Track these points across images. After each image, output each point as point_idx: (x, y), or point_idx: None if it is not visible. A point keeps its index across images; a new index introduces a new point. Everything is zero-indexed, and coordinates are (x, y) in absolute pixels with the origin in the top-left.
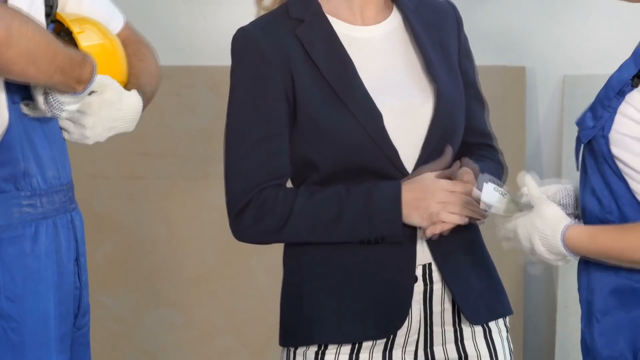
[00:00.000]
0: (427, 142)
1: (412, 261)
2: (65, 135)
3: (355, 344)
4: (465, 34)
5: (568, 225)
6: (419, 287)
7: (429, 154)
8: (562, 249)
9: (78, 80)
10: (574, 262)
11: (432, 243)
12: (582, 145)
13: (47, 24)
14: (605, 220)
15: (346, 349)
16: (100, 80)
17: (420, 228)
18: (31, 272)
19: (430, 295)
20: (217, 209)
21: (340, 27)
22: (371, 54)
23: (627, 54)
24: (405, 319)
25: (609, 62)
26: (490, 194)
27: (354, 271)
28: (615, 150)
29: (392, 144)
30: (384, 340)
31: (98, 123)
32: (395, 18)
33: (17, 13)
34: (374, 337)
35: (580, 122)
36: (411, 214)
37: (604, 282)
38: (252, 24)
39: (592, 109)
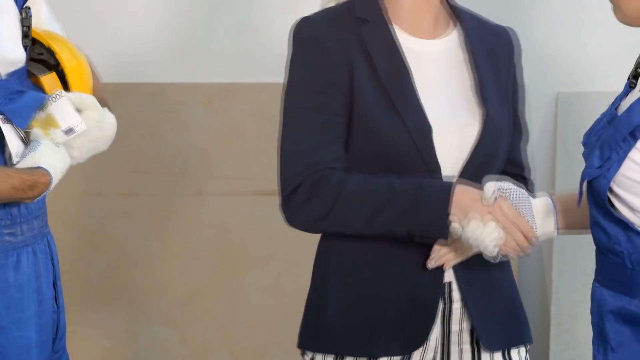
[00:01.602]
0: (468, 164)
1: (438, 280)
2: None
3: (372, 358)
4: (519, 64)
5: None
6: (439, 306)
7: (468, 177)
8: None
9: (22, 200)
10: (566, 276)
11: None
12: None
13: (26, 45)
14: (614, 250)
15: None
16: (84, 99)
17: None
18: (14, 303)
19: (449, 314)
20: (211, 226)
21: (400, 36)
22: (426, 68)
23: (621, 71)
24: (426, 338)
25: (603, 79)
26: None
27: (381, 285)
28: (619, 191)
29: (436, 159)
30: (400, 356)
31: (85, 143)
32: (455, 35)
33: None
34: (393, 354)
35: (584, 138)
36: (456, 213)
37: (616, 311)
38: (316, 14)
39: (601, 147)
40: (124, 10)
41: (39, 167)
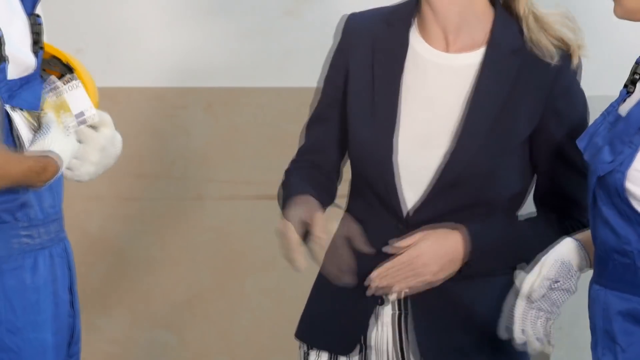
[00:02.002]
0: (433, 188)
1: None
2: (68, 173)
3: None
4: (564, 102)
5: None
6: (389, 311)
7: (432, 201)
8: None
9: (35, 184)
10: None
11: None
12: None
13: (36, 52)
14: (623, 251)
15: (325, 355)
16: (102, 116)
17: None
18: (31, 304)
19: (405, 322)
20: (211, 230)
21: (416, 41)
22: (428, 80)
23: (620, 75)
24: (358, 341)
25: (604, 84)
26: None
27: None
28: (631, 187)
29: (393, 181)
30: (357, 356)
31: (101, 160)
32: (478, 55)
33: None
34: (337, 352)
35: (581, 144)
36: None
37: (621, 310)
38: (367, 11)
39: (611, 143)
40: (124, 15)
41: (49, 151)
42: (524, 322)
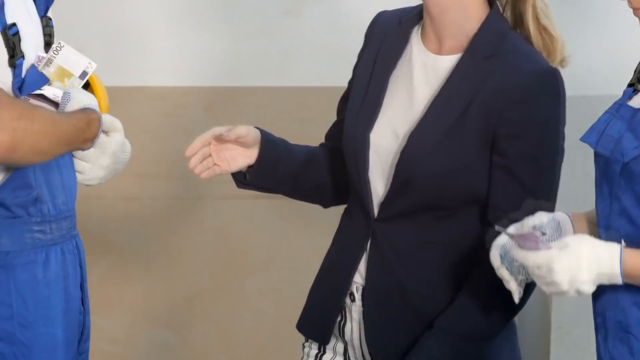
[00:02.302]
0: (392, 185)
1: (346, 280)
2: (78, 177)
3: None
4: (518, 112)
5: (621, 247)
6: (357, 307)
7: (393, 198)
8: (617, 271)
9: (84, 142)
10: None
11: (370, 265)
12: (604, 165)
13: (47, 52)
14: (638, 241)
15: (315, 345)
16: (114, 122)
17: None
18: (42, 299)
19: None
20: (212, 230)
21: (415, 43)
22: (412, 79)
23: (622, 75)
24: (330, 334)
25: (603, 83)
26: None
27: (321, 273)
28: None
29: (366, 177)
30: (343, 345)
31: (110, 164)
32: (454, 59)
33: (25, 111)
34: (321, 342)
35: (589, 139)
36: None
37: (635, 300)
38: (394, 10)
39: (633, 130)
40: (125, 14)
41: (86, 107)
42: (503, 251)
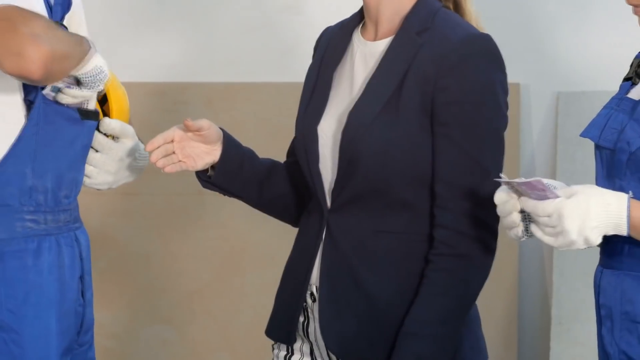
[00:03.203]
0: (339, 170)
1: (304, 280)
2: (86, 180)
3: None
4: (460, 80)
5: (629, 197)
6: (317, 307)
7: (341, 184)
8: (624, 220)
9: (80, 55)
10: (566, 276)
11: (325, 256)
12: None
13: None
14: None
15: (284, 347)
16: (125, 127)
17: (321, 245)
18: (33, 286)
19: None
20: (212, 225)
21: (356, 38)
22: (354, 69)
23: (621, 70)
24: (294, 335)
25: (603, 79)
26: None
27: (283, 276)
28: None
29: (317, 169)
30: (309, 346)
31: (119, 171)
32: (386, 42)
33: (47, 21)
34: (286, 343)
35: (590, 134)
36: None
37: None
38: (338, 22)
39: (637, 119)
40: (125, 10)
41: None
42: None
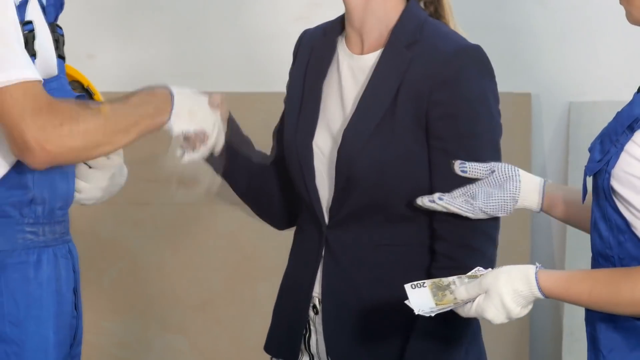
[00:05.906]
0: (336, 187)
1: (307, 292)
2: (76, 195)
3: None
4: (447, 93)
5: (537, 271)
6: (320, 319)
7: (339, 201)
8: (540, 295)
9: (159, 115)
10: None
11: (327, 273)
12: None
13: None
14: (605, 255)
15: None
16: None
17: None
18: (34, 299)
19: None
20: (223, 235)
21: (341, 49)
22: (342, 83)
23: (632, 81)
24: (298, 350)
25: (614, 89)
26: (416, 294)
27: (281, 292)
28: (617, 186)
29: (313, 184)
30: (309, 359)
31: (109, 187)
32: (376, 55)
33: (68, 112)
34: (286, 359)
35: (591, 150)
36: None
37: (607, 318)
38: (318, 25)
39: (602, 141)
40: (134, 21)
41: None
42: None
